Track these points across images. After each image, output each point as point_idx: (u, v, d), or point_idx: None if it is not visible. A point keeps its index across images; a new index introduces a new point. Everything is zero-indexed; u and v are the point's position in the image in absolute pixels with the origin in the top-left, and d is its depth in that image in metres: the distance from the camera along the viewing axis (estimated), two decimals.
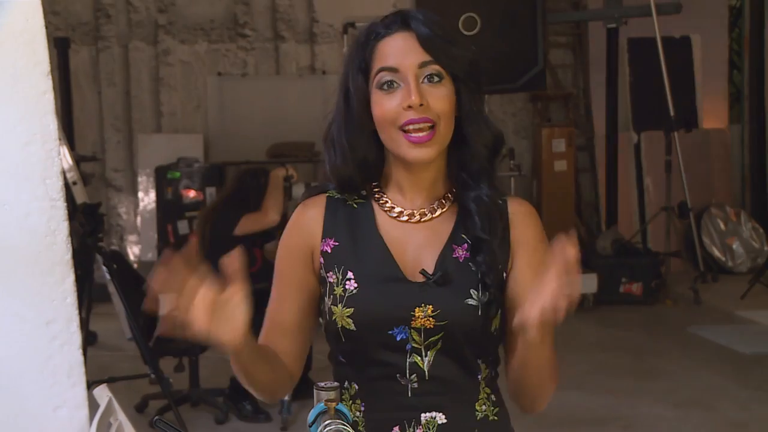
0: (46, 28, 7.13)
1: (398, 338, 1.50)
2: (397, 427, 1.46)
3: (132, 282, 5.15)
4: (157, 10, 8.76)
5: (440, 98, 1.45)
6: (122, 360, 5.44)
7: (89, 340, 6.20)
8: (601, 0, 8.32)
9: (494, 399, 1.58)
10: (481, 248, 1.49)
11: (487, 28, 7.29)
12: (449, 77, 1.47)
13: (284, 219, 5.13)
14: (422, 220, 1.54)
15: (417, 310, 1.47)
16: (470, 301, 1.46)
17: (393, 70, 1.45)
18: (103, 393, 2.77)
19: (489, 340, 1.52)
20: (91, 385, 3.01)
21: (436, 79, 1.45)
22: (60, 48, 7.95)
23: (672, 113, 7.60)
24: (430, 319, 1.47)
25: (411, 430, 1.48)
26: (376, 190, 1.58)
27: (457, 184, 1.55)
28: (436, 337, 1.48)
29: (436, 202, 1.55)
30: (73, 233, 4.94)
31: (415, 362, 1.50)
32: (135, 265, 8.41)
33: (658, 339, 6.57)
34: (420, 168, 1.52)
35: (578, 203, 8.73)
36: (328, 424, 1.17)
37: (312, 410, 1.23)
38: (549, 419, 4.64)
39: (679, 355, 6.10)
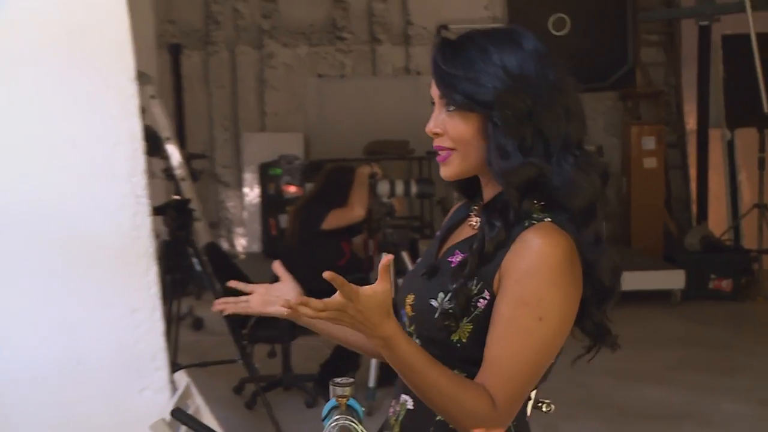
0: (161, 35, 7.10)
1: (403, 320, 1.54)
2: (394, 401, 1.52)
3: (227, 272, 5.17)
4: (261, 16, 8.97)
5: (455, 127, 1.44)
6: (224, 345, 5.45)
7: (196, 325, 6.56)
8: None
9: None
10: (464, 266, 1.46)
11: (576, 28, 7.37)
12: (466, 110, 1.44)
13: (369, 214, 5.26)
14: (476, 225, 1.53)
15: (408, 296, 1.52)
16: (433, 302, 1.45)
17: (432, 102, 1.51)
18: (182, 378, 2.95)
19: (448, 346, 1.47)
20: (182, 368, 3.20)
21: (451, 108, 1.43)
22: (173, 54, 8.36)
23: (766, 110, 7.34)
24: (409, 307, 1.51)
25: (394, 408, 1.53)
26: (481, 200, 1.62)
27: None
28: (412, 328, 1.51)
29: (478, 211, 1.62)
30: (166, 227, 4.86)
31: None
32: (242, 256, 8.82)
33: (746, 336, 6.41)
34: (483, 184, 1.52)
35: (668, 199, 8.60)
36: (336, 419, 1.19)
37: (326, 405, 1.26)
38: (626, 413, 4.77)
39: (765, 353, 5.93)
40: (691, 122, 8.46)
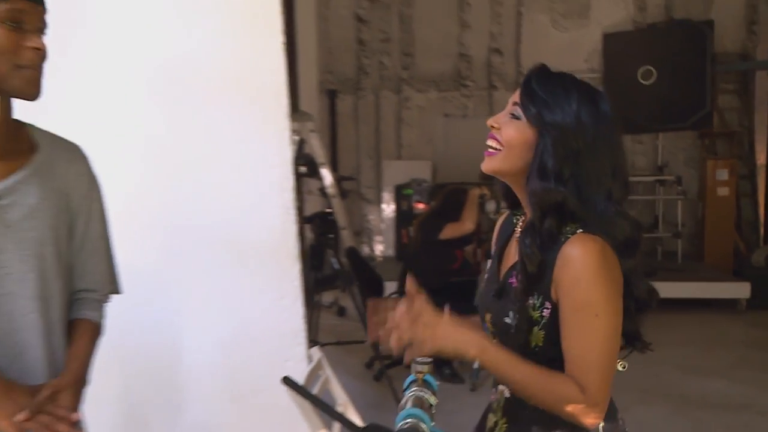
0: (322, 83, 7.61)
1: (486, 333, 1.65)
2: (494, 389, 1.64)
3: (363, 270, 5.66)
4: (401, 67, 9.42)
5: (509, 129, 1.54)
6: (360, 329, 5.64)
7: (340, 312, 7.10)
8: (767, 50, 8.16)
9: None
10: (519, 291, 1.56)
11: (661, 78, 8.07)
12: (529, 123, 1.52)
13: (478, 227, 5.53)
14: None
15: (486, 314, 1.63)
16: (507, 320, 1.55)
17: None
18: (315, 352, 3.02)
19: (529, 351, 1.54)
20: (319, 345, 3.40)
21: (514, 116, 1.54)
22: (330, 97, 8.93)
23: None
24: (490, 324, 1.61)
25: (495, 396, 1.65)
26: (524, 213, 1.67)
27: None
28: (495, 340, 1.58)
29: None
30: (312, 233, 5.36)
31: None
32: (380, 259, 9.15)
33: None
34: (517, 193, 1.62)
35: (738, 223, 8.52)
36: (413, 390, 1.25)
37: (407, 378, 1.32)
38: (690, 402, 4.90)
39: None
40: (761, 158, 8.53)
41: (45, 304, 1.70)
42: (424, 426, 1.18)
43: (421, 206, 8.43)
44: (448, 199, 5.60)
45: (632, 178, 8.14)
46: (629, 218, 1.52)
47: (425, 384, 1.31)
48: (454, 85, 9.48)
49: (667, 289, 6.50)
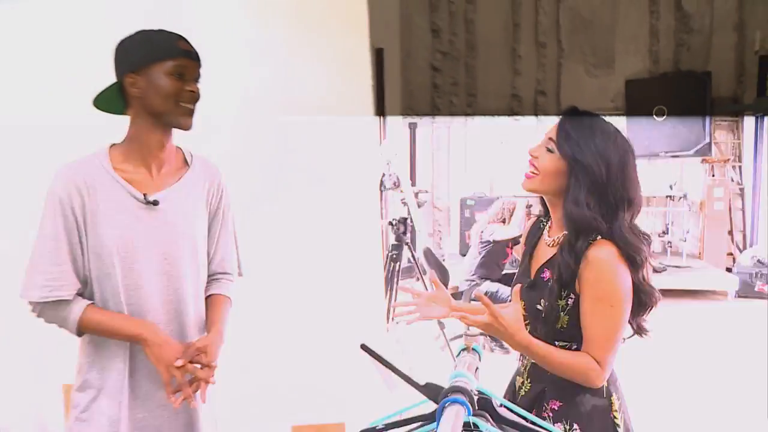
0: (405, 117, 8.69)
1: None
2: (521, 356, 1.77)
3: (435, 264, 5.95)
4: (466, 105, 9.98)
5: (545, 160, 1.69)
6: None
7: None
8: (753, 96, 8.59)
9: None
10: (553, 288, 1.69)
11: (672, 115, 8.91)
12: (562, 157, 1.67)
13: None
14: (550, 244, 1.79)
15: (521, 303, 1.69)
16: (539, 306, 1.69)
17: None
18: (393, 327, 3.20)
19: (555, 330, 1.68)
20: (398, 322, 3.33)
21: (549, 150, 1.69)
22: (412, 129, 9.29)
23: None
24: (524, 311, 1.70)
25: (522, 361, 1.81)
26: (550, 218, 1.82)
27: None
28: (527, 322, 1.72)
29: (557, 236, 1.77)
30: (393, 234, 5.40)
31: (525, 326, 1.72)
32: (443, 257, 8.55)
33: None
34: (550, 209, 1.80)
35: (731, 230, 9.10)
36: (464, 356, 1.35)
37: (458, 347, 1.42)
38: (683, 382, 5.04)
39: None
40: (747, 180, 9.07)
41: (195, 282, 1.88)
42: (471, 384, 1.18)
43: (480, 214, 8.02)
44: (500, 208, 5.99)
45: (648, 194, 8.88)
46: (639, 234, 1.65)
47: (473, 351, 1.35)
48: (508, 120, 9.90)
49: (674, 282, 7.81)
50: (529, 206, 5.84)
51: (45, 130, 2.78)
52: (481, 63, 9.96)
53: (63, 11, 2.95)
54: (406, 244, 5.57)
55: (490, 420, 1.20)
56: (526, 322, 1.68)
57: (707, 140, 8.82)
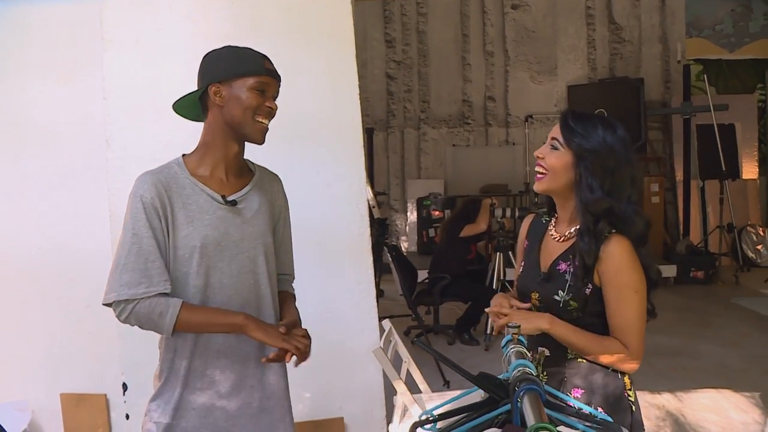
0: (363, 122, 8.32)
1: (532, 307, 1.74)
2: (532, 351, 1.46)
3: (403, 262, 5.77)
4: (420, 111, 10.02)
5: (552, 158, 1.69)
6: (397, 306, 6.09)
7: (380, 293, 6.31)
8: (679, 100, 8.71)
9: None
10: (576, 275, 1.67)
11: (610, 117, 9.48)
12: (569, 150, 1.67)
13: (489, 228, 5.67)
14: (559, 239, 1.77)
15: (532, 294, 1.74)
16: (556, 297, 1.66)
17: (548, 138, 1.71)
18: (387, 323, 3.18)
19: (570, 319, 1.66)
20: (381, 319, 3.32)
21: (555, 146, 1.69)
22: (368, 134, 9.08)
23: (724, 168, 8.35)
24: (536, 300, 1.72)
25: (533, 356, 1.47)
26: (555, 215, 1.83)
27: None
28: (541, 307, 1.71)
29: (567, 232, 1.74)
30: (372, 235, 4.30)
31: None
32: (404, 253, 7.78)
33: (713, 304, 7.16)
34: (557, 206, 1.78)
35: (666, 223, 9.25)
36: (513, 347, 1.31)
37: (504, 339, 1.39)
38: (648, 352, 4.21)
39: (725, 315, 6.67)
40: (679, 175, 9.15)
41: (269, 277, 1.87)
42: (532, 371, 1.18)
43: (436, 213, 8.89)
44: (467, 206, 5.83)
45: None
46: (644, 216, 1.66)
47: (519, 342, 1.33)
48: (459, 123, 10.04)
49: None
50: (492, 204, 5.68)
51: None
52: (433, 71, 10.00)
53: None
54: (386, 244, 5.61)
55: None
56: (542, 308, 1.70)
57: (642, 140, 8.94)
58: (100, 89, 3.09)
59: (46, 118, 3.22)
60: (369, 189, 5.58)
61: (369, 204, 5.15)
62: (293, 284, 2.10)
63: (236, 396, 1.81)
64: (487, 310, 1.70)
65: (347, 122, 3.08)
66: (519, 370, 1.20)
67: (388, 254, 5.54)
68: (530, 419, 1.03)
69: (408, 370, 3.05)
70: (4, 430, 1.91)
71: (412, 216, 9.72)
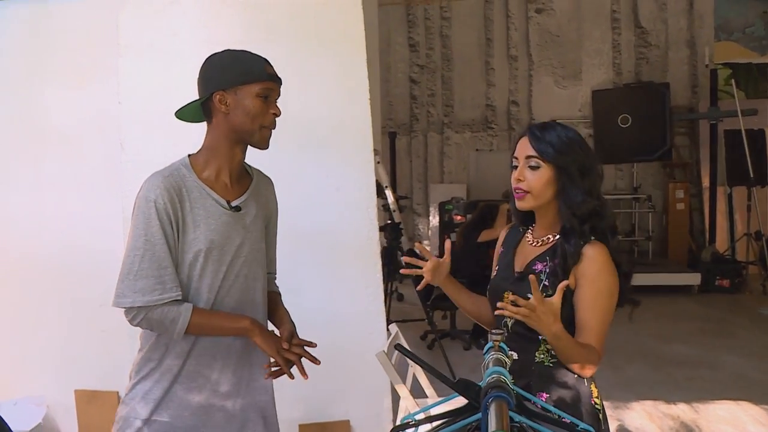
0: (384, 126, 8.38)
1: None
2: (509, 359, 1.34)
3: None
4: (443, 115, 10.06)
5: (534, 179, 1.70)
6: (416, 311, 6.06)
7: (399, 297, 7.57)
8: (707, 105, 8.64)
9: (554, 353, 1.69)
10: (555, 273, 1.69)
11: (635, 123, 8.89)
12: (548, 165, 1.68)
13: None
14: (535, 244, 1.80)
15: (505, 294, 1.73)
16: (529, 295, 1.60)
17: (516, 158, 1.73)
18: (393, 327, 3.20)
19: None
20: (392, 322, 3.39)
21: (534, 165, 1.70)
22: (391, 138, 9.30)
23: (752, 175, 8.26)
24: (510, 299, 1.64)
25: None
26: (531, 226, 1.86)
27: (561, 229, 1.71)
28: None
29: (545, 237, 1.78)
30: (386, 238, 5.48)
31: (506, 322, 1.78)
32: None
33: (737, 314, 7.07)
34: (537, 215, 1.80)
35: (691, 229, 9.13)
36: (492, 354, 1.30)
37: (486, 345, 1.37)
38: (663, 360, 5.28)
39: (750, 325, 6.57)
40: (705, 182, 9.04)
41: (263, 281, 1.93)
42: (506, 379, 1.17)
43: (458, 218, 8.69)
44: (484, 212, 5.94)
45: (615, 197, 8.93)
46: (609, 206, 1.72)
47: (500, 349, 1.32)
48: (482, 128, 10.07)
49: (642, 279, 7.65)
50: (509, 209, 5.57)
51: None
52: (457, 75, 10.04)
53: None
54: (399, 248, 5.58)
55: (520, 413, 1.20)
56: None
57: (668, 145, 8.86)
58: (115, 93, 3.18)
59: (64, 121, 3.34)
60: (390, 193, 5.71)
61: (390, 208, 5.76)
62: (276, 282, 2.17)
63: (231, 396, 1.86)
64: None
65: (358, 127, 3.11)
66: (493, 377, 1.20)
67: (401, 259, 5.44)
68: (491, 426, 1.05)
69: (414, 374, 3.07)
70: (9, 428, 1.95)
71: (434, 220, 9.68)
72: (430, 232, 9.92)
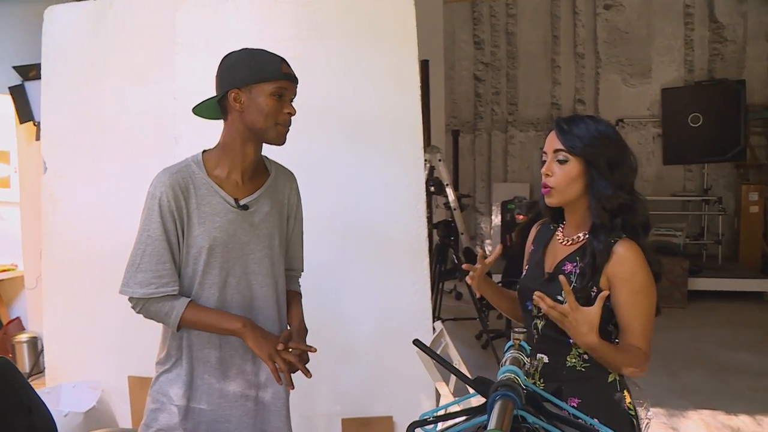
0: (448, 125, 8.43)
1: (528, 308, 1.77)
2: (530, 358, 1.39)
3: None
4: (507, 113, 9.96)
5: (562, 174, 1.68)
6: (473, 310, 5.83)
7: (457, 296, 7.63)
8: None
9: (586, 357, 1.67)
10: (583, 274, 1.66)
11: (707, 122, 8.69)
12: (576, 159, 1.65)
13: None
14: (565, 243, 1.77)
15: (535, 293, 1.63)
16: (559, 297, 1.60)
17: (545, 153, 1.72)
18: (438, 324, 3.13)
19: None
20: (441, 320, 3.45)
21: (562, 159, 1.68)
22: (454, 136, 8.95)
23: None
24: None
25: (532, 363, 1.46)
26: (562, 223, 1.83)
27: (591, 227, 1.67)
28: (541, 314, 1.69)
29: (575, 236, 1.74)
30: (438, 236, 5.45)
31: (536, 324, 1.75)
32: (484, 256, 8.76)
33: None
34: (566, 212, 1.77)
35: (765, 233, 8.74)
36: (511, 352, 1.30)
37: (507, 343, 1.36)
38: (724, 369, 5.14)
39: None
40: None
41: (274, 280, 1.92)
42: (518, 379, 1.17)
43: (521, 217, 8.62)
44: (539, 211, 6.26)
45: (684, 198, 8.72)
46: (643, 200, 1.67)
47: (520, 348, 1.32)
48: (547, 127, 8.62)
49: (710, 284, 7.62)
50: None
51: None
52: (522, 73, 9.92)
53: None
54: (452, 246, 5.54)
55: (536, 414, 1.18)
56: (542, 314, 1.66)
57: (741, 145, 8.57)
58: (170, 90, 3.29)
59: (122, 116, 3.45)
60: (451, 191, 5.76)
61: (450, 206, 5.86)
62: (299, 280, 2.20)
63: (262, 387, 1.94)
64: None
65: (409, 123, 3.11)
66: (505, 376, 1.19)
67: (454, 257, 5.50)
68: (491, 424, 1.03)
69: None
70: (49, 413, 2.03)
71: (497, 219, 9.69)
72: (492, 231, 9.93)
